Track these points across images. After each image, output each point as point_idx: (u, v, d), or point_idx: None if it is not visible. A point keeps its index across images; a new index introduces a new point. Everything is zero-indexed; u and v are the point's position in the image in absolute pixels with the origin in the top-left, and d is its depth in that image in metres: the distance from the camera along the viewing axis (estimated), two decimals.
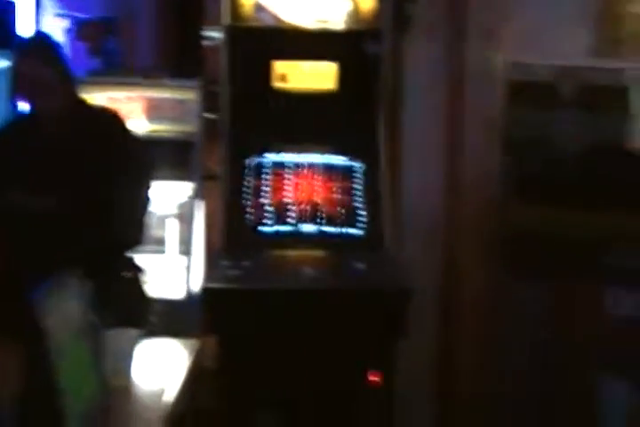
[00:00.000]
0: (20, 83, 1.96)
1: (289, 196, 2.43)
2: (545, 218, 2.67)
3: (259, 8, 2.48)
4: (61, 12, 2.93)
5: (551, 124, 2.74)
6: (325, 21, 2.49)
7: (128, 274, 1.98)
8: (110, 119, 2.01)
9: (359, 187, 2.44)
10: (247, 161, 2.46)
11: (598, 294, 2.63)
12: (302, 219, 2.39)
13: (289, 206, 2.40)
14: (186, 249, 2.44)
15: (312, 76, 2.55)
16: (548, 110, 2.74)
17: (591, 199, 2.65)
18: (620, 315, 2.60)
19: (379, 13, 2.47)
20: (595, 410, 2.62)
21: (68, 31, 3.02)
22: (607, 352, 2.61)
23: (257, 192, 2.41)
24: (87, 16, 3.19)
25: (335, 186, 2.45)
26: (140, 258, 2.05)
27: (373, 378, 2.23)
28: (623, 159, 2.73)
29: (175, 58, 3.42)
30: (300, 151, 2.50)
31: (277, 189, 2.43)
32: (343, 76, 2.51)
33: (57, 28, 2.90)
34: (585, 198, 2.67)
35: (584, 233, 2.64)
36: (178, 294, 2.40)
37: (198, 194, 2.49)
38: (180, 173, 2.50)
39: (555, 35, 2.67)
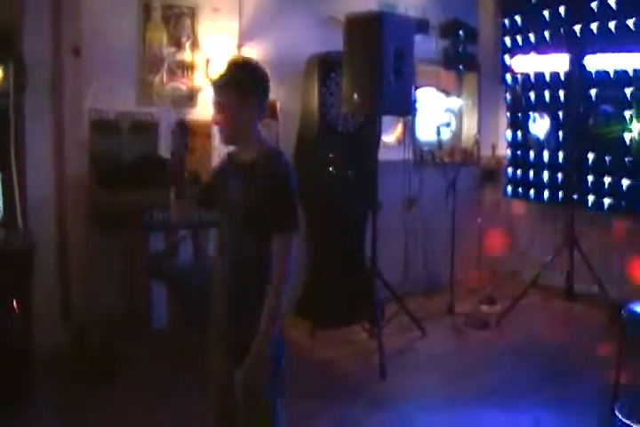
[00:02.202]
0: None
1: None
2: (114, 198, 4.46)
3: None
4: None
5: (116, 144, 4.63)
6: None
7: None
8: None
9: None
10: None
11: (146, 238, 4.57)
12: None
13: None
14: None
15: None
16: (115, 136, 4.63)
17: (137, 185, 4.43)
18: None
19: (4, 81, 4.02)
20: None
21: None
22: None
23: None
24: None
25: None
26: None
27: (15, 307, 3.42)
28: (157, 161, 4.67)
29: None
30: None
31: None
32: None
33: None
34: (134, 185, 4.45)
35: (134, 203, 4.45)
36: None
37: None
38: None
39: (115, 92, 4.58)
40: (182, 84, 4.96)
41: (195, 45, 4.99)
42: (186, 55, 4.97)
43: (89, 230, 4.45)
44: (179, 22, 4.90)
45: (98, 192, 4.45)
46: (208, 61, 5.05)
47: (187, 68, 4.96)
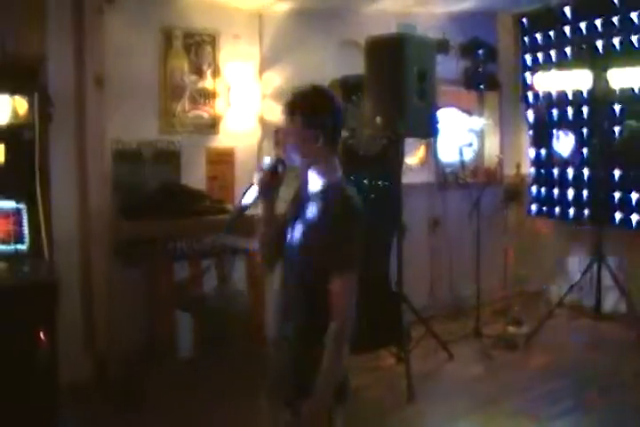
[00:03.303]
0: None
1: None
2: (138, 228, 4.50)
3: None
4: None
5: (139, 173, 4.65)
6: None
7: None
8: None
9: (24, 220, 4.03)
10: None
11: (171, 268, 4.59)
12: None
13: None
14: None
15: None
16: (137, 165, 4.65)
17: (161, 214, 4.42)
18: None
19: (29, 113, 4.05)
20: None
21: None
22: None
23: None
24: None
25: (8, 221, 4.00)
26: None
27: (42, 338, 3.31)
28: (180, 190, 4.69)
29: None
30: None
31: None
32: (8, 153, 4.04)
33: None
34: (158, 214, 4.42)
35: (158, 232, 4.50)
36: None
37: None
38: None
39: (137, 121, 4.60)
40: (204, 112, 4.98)
41: (216, 73, 5.01)
42: (207, 83, 4.98)
43: (113, 261, 4.46)
44: (200, 50, 4.93)
45: (121, 222, 4.44)
46: (229, 89, 5.06)
47: (208, 95, 4.98)
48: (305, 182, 2.27)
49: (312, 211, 2.18)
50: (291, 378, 2.22)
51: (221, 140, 5.05)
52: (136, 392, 4.02)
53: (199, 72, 4.94)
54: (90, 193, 4.40)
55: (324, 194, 2.18)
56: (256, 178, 2.23)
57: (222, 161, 5.00)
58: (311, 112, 2.16)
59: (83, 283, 4.41)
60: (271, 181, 2.22)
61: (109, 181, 4.50)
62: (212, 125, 5.02)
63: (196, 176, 4.88)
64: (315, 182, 2.23)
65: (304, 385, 2.10)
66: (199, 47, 4.91)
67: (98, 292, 4.38)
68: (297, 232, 2.20)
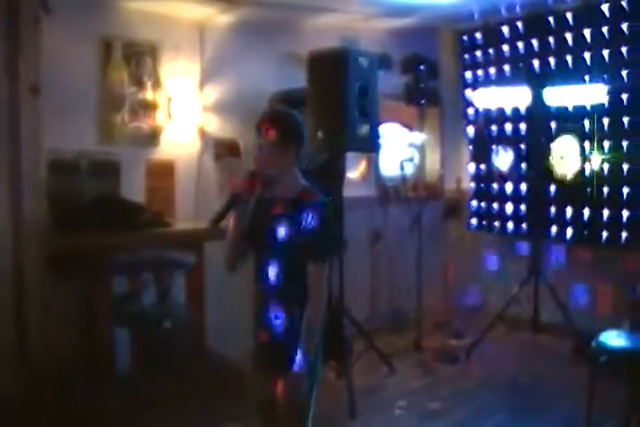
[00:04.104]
0: None
1: None
2: (74, 240, 4.36)
3: None
4: None
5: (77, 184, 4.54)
6: None
7: None
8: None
9: None
10: None
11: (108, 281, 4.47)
12: None
13: None
14: None
15: None
16: (75, 176, 4.54)
17: (98, 227, 4.29)
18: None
19: None
20: None
21: None
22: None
23: None
24: None
25: None
26: None
27: None
28: (119, 202, 4.59)
29: None
30: None
31: None
32: None
33: None
34: (95, 227, 4.31)
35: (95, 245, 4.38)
36: None
37: None
38: None
39: (75, 131, 4.50)
40: (144, 124, 4.90)
41: (156, 84, 4.95)
42: (148, 94, 4.92)
43: (47, 274, 4.28)
44: (140, 61, 4.87)
45: (56, 234, 4.29)
46: (170, 100, 5.01)
47: (149, 107, 4.91)
48: (282, 189, 2.63)
49: (296, 213, 2.55)
50: (280, 351, 2.64)
51: (161, 153, 4.99)
52: (68, 409, 3.88)
53: (139, 83, 4.86)
54: (24, 204, 4.25)
55: (305, 198, 2.58)
56: (235, 183, 2.58)
57: (162, 173, 4.93)
58: (286, 128, 2.58)
59: (15, 296, 4.25)
60: (249, 187, 2.58)
61: (45, 192, 4.35)
62: (152, 137, 4.94)
63: (135, 188, 4.79)
64: (290, 189, 2.62)
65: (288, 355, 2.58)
66: (139, 58, 4.85)
67: (31, 305, 4.23)
68: (281, 230, 2.56)
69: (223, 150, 5.27)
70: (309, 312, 2.57)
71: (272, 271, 2.63)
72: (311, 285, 2.58)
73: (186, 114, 5.09)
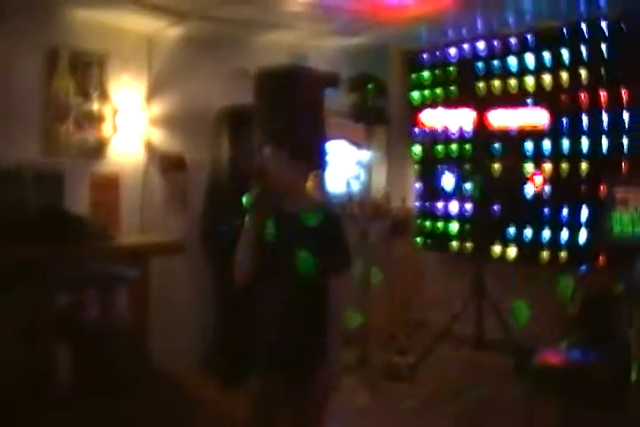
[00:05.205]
0: None
1: None
2: (13, 253, 4.15)
3: None
4: None
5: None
6: None
7: None
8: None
9: None
10: None
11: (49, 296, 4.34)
12: None
13: None
14: None
15: None
16: (16, 187, 4.42)
17: (40, 239, 4.13)
18: None
19: None
20: None
21: None
22: None
23: None
24: None
25: None
26: None
27: None
28: (61, 215, 4.46)
29: None
30: None
31: None
32: None
33: None
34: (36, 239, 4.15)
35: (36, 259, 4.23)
36: None
37: None
38: None
39: (17, 141, 4.40)
40: (90, 136, 4.83)
41: (103, 96, 4.90)
42: (94, 106, 4.85)
43: None
44: (87, 72, 4.81)
45: None
46: (116, 112, 4.96)
47: (94, 118, 4.85)
48: (295, 202, 2.75)
49: (315, 223, 2.68)
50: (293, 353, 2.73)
51: (107, 165, 4.93)
52: None
53: (85, 94, 4.81)
54: None
55: (321, 211, 2.73)
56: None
57: (107, 186, 4.87)
58: (297, 147, 2.77)
59: None
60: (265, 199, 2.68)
61: None
62: (97, 149, 4.89)
63: (79, 201, 4.71)
64: (303, 202, 2.77)
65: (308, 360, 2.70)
66: (86, 69, 4.79)
67: None
68: (297, 240, 2.67)
69: (169, 164, 5.23)
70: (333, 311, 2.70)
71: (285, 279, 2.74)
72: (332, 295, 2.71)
73: (132, 127, 5.04)
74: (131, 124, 5.03)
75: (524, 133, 5.61)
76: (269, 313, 2.77)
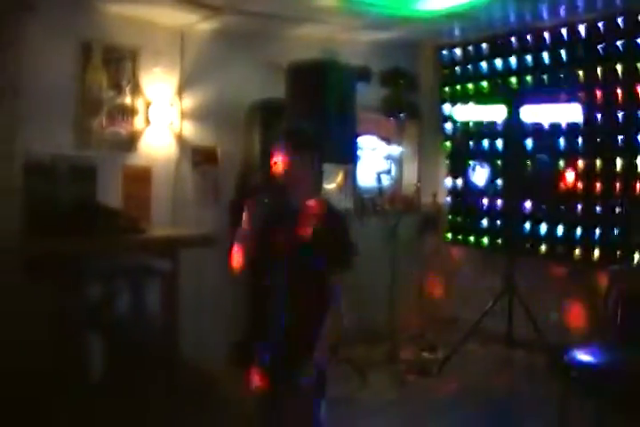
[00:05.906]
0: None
1: None
2: (48, 244, 4.23)
3: None
4: None
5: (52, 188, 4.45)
6: None
7: None
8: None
9: None
10: None
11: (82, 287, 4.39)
12: None
13: None
14: None
15: None
16: (51, 179, 4.46)
17: (73, 231, 4.19)
18: None
19: None
20: None
21: None
22: None
23: None
24: None
25: None
26: None
27: None
28: (94, 207, 4.50)
29: None
30: None
31: None
32: None
33: None
34: (69, 231, 4.19)
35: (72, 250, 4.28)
36: None
37: None
38: None
39: (52, 135, 4.44)
40: (122, 129, 4.87)
41: (135, 89, 4.93)
42: (126, 99, 4.89)
43: (20, 280, 4.21)
44: (119, 65, 4.85)
45: (30, 239, 4.18)
46: (149, 106, 4.98)
47: (127, 112, 4.89)
48: (299, 197, 2.68)
49: (316, 221, 2.63)
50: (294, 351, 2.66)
51: (139, 158, 4.96)
52: (39, 419, 3.79)
53: (118, 88, 4.84)
54: None
55: (328, 211, 2.69)
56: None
57: (139, 179, 4.90)
58: (317, 152, 2.72)
59: None
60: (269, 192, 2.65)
61: (19, 195, 4.29)
62: (129, 143, 4.92)
63: (111, 194, 4.75)
64: (307, 197, 2.68)
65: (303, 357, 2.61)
66: (119, 62, 4.83)
67: (2, 312, 4.14)
68: (306, 239, 2.62)
69: (201, 157, 5.25)
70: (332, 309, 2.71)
71: (289, 276, 2.68)
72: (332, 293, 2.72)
73: (164, 120, 5.07)
74: (163, 118, 5.06)
75: (557, 129, 5.52)
76: (271, 306, 2.75)
